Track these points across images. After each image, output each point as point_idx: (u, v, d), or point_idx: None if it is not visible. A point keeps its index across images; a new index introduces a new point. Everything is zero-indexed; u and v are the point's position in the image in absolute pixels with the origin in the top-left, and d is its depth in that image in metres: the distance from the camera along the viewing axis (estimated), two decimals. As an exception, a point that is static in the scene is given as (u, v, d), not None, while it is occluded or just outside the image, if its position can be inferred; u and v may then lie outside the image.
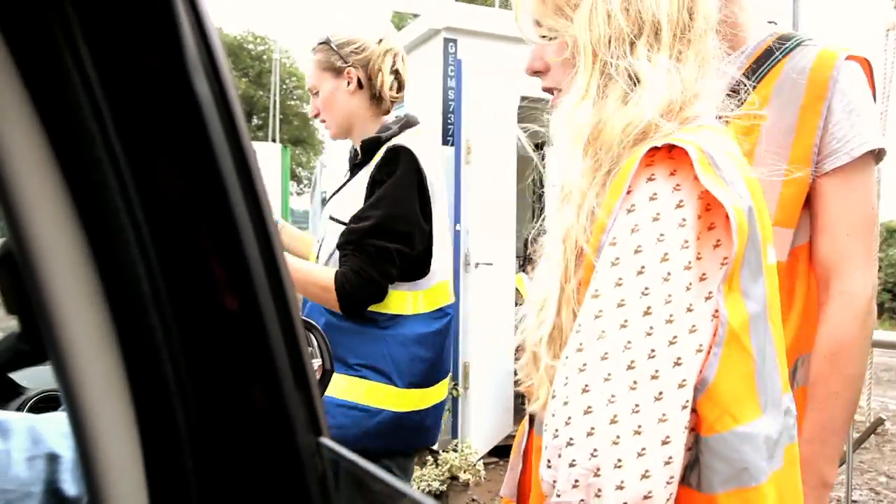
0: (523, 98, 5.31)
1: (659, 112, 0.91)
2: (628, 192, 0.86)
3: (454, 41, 5.29)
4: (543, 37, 1.04)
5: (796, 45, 1.50)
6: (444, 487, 4.48)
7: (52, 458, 0.75)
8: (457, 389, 5.09)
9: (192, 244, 0.46)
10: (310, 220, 10.42)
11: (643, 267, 0.83)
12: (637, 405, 0.79)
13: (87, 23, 0.43)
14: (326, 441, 0.49)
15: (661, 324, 0.81)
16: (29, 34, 0.43)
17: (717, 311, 0.83)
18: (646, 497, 0.78)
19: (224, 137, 0.45)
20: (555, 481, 0.82)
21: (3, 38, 0.43)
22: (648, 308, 0.81)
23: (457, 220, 5.04)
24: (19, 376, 1.16)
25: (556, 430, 0.82)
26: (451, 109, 5.21)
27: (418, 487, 4.47)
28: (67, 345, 0.46)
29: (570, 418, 0.81)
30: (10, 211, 0.45)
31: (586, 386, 0.81)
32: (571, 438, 0.80)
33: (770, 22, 1.64)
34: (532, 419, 1.06)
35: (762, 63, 1.54)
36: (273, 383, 0.48)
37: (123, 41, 0.43)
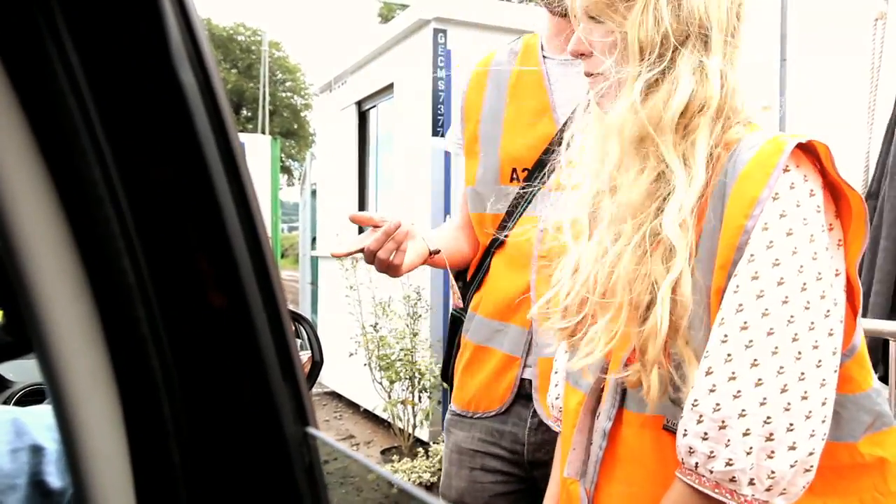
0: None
1: (712, 111, 1.01)
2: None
3: (444, 31, 5.27)
4: (595, 20, 1.08)
5: None
6: (434, 479, 4.50)
7: (36, 450, 0.75)
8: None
9: (177, 236, 0.46)
10: (300, 212, 10.40)
11: (795, 248, 0.93)
12: (803, 373, 0.91)
13: (70, 12, 0.43)
14: (314, 431, 0.49)
15: (816, 299, 0.93)
16: (12, 24, 0.43)
17: (846, 284, 0.98)
18: (810, 454, 0.91)
19: (210, 128, 0.44)
20: (711, 452, 0.91)
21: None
22: (804, 284, 0.92)
23: (447, 210, 5.04)
24: (4, 369, 1.15)
25: (718, 405, 0.91)
26: (440, 100, 5.20)
27: (409, 479, 4.48)
28: (53, 337, 0.46)
29: (739, 391, 0.91)
30: (-6, 202, 0.44)
31: (755, 360, 0.91)
32: (744, 410, 0.90)
33: None
34: (623, 396, 1.08)
35: None
36: (260, 374, 0.47)
37: (107, 31, 0.43)
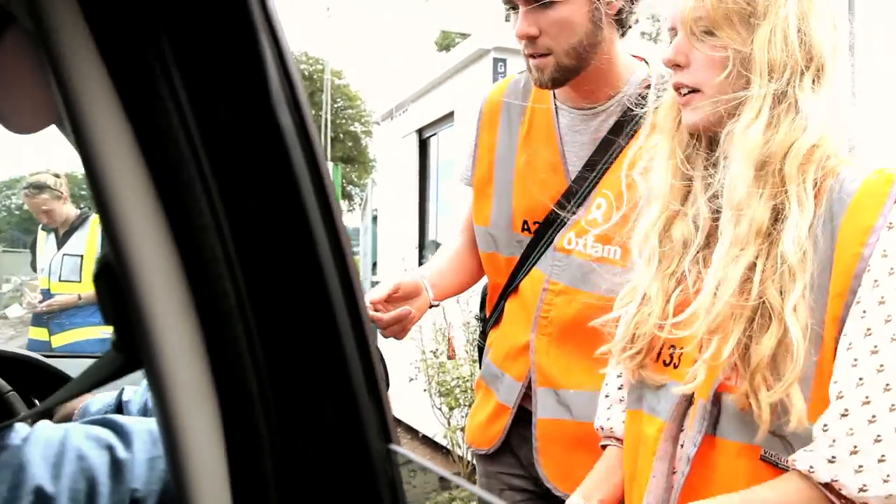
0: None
1: (831, 142, 1.02)
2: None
3: (503, 61, 5.34)
4: (707, 33, 1.08)
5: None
6: None
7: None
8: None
9: (274, 261, 0.50)
10: (360, 237, 10.55)
11: None
12: None
13: (181, 58, 0.48)
14: (397, 447, 0.52)
15: None
16: (130, 68, 0.48)
17: None
18: None
19: (305, 165, 0.48)
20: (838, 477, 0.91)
21: (107, 72, 0.48)
22: None
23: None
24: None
25: (851, 429, 0.92)
26: (501, 128, 5.24)
27: (468, 505, 4.47)
28: (160, 353, 0.50)
29: (874, 416, 0.91)
30: (111, 227, 0.49)
31: (887, 385, 0.91)
32: (879, 435, 0.90)
33: (634, 56, 1.63)
34: (715, 422, 1.08)
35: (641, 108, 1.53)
36: (347, 392, 0.51)
37: (214, 76, 0.47)
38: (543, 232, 1.60)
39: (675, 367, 1.14)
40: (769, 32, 1.03)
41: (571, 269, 1.53)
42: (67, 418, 1.11)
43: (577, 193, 1.56)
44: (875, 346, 0.93)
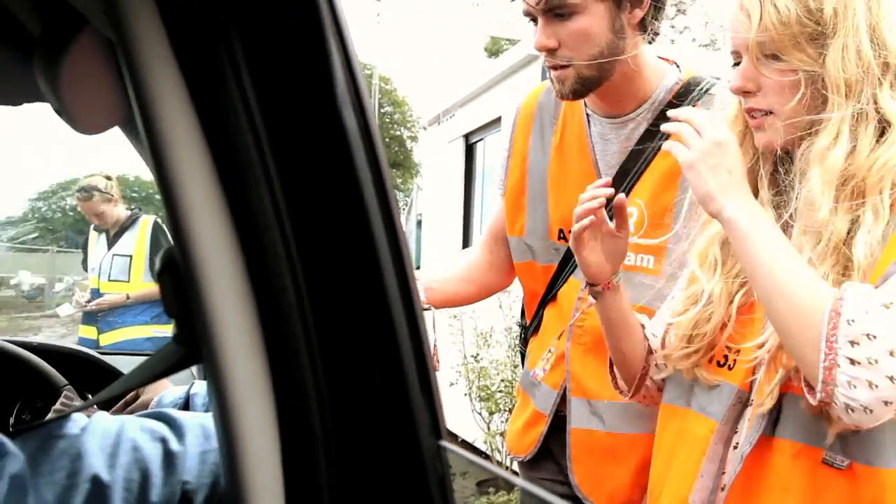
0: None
1: None
2: None
3: (553, 67, 5.31)
4: (774, 58, 1.06)
5: (705, 92, 1.49)
6: None
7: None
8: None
9: (334, 260, 0.51)
10: (404, 241, 10.58)
11: None
12: None
13: (251, 58, 0.49)
14: (448, 444, 0.52)
15: None
16: (202, 68, 0.50)
17: None
18: None
19: (367, 165, 0.49)
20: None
21: (179, 70, 0.49)
22: None
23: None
24: None
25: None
26: (548, 134, 5.22)
27: None
28: (220, 348, 0.51)
29: None
30: (177, 223, 0.51)
31: None
32: None
33: (662, 59, 1.59)
34: (775, 423, 1.08)
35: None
36: (401, 388, 0.52)
37: (282, 76, 0.49)
38: None
39: (730, 368, 1.14)
40: (841, 49, 1.02)
41: None
42: (144, 409, 1.15)
43: (609, 202, 1.55)
44: None
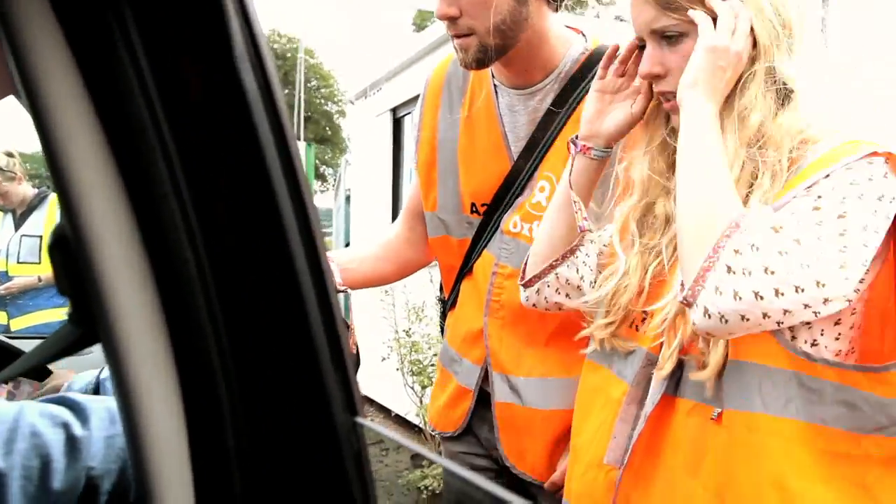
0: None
1: (817, 117, 1.06)
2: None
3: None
4: (677, 39, 1.10)
5: None
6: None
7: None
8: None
9: (236, 228, 0.48)
10: (333, 217, 10.48)
11: (861, 194, 0.97)
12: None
13: (141, 19, 0.46)
14: (362, 420, 0.51)
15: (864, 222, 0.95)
16: (88, 31, 0.46)
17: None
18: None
19: (269, 128, 0.47)
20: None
21: (64, 35, 0.46)
22: (858, 209, 0.95)
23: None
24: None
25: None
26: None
27: (438, 484, 4.49)
28: (118, 326, 0.48)
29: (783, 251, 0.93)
30: (67, 196, 0.47)
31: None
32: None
33: (570, 28, 1.59)
34: (677, 384, 1.11)
35: (577, 84, 1.50)
36: (312, 363, 0.50)
37: (176, 36, 0.46)
38: (491, 214, 1.58)
39: (642, 331, 1.18)
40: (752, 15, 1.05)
41: (519, 252, 1.51)
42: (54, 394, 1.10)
43: (519, 174, 1.54)
44: (793, 211, 0.98)
